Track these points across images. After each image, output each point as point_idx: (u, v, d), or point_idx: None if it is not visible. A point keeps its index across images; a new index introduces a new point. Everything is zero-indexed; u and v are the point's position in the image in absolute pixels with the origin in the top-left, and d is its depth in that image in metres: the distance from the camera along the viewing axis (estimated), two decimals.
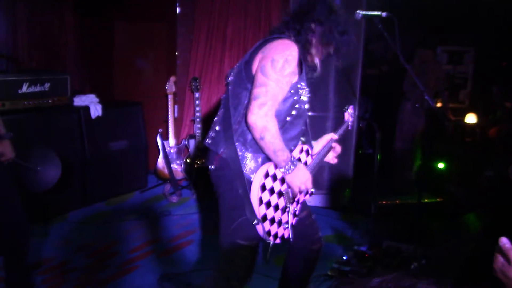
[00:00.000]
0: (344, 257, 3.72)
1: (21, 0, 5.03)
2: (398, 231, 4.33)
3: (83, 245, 3.96)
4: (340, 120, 2.70)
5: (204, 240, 4.16)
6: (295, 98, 2.20)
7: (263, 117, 2.07)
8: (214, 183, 2.33)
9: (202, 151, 5.16)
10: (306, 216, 2.50)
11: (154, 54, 5.97)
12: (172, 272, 3.51)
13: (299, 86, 2.20)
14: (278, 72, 2.09)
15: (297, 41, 2.22)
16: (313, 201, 5.01)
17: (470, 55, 7.42)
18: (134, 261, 3.71)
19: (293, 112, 2.23)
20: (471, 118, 6.47)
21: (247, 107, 2.16)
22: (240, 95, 2.21)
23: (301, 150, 2.35)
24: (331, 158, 2.57)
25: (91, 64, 5.95)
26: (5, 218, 2.87)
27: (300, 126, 2.31)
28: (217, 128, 2.31)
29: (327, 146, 2.51)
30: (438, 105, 5.85)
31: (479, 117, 6.48)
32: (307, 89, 2.24)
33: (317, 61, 2.32)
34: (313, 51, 2.29)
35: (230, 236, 2.26)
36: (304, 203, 2.48)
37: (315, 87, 2.34)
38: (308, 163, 2.38)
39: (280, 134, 2.13)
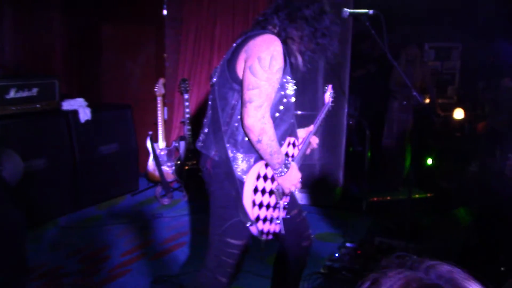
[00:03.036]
0: (336, 255, 3.73)
1: (9, 5, 5.00)
2: (389, 228, 4.36)
3: (75, 249, 3.94)
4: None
5: (196, 242, 4.15)
6: (282, 92, 2.18)
7: (260, 120, 2.05)
8: (206, 181, 2.32)
9: (193, 152, 5.15)
10: (296, 214, 2.50)
11: (142, 56, 5.95)
12: (165, 274, 3.51)
13: (284, 80, 2.17)
14: (267, 70, 2.06)
15: (278, 35, 2.19)
16: (304, 199, 5.03)
17: (458, 51, 7.49)
18: (127, 265, 3.69)
19: (281, 107, 2.21)
20: (459, 113, 6.52)
21: (233, 107, 2.15)
22: (226, 95, 2.18)
23: (288, 144, 2.31)
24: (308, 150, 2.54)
25: (79, 67, 5.93)
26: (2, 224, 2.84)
27: (289, 120, 2.28)
28: (206, 130, 2.29)
29: (308, 139, 2.48)
30: (427, 101, 5.89)
31: (467, 112, 6.54)
32: (292, 81, 2.22)
33: (299, 58, 2.29)
34: (295, 47, 2.25)
35: (220, 235, 2.25)
36: (294, 201, 2.48)
37: (303, 86, 2.32)
38: (294, 155, 2.36)
39: (275, 135, 2.12)
